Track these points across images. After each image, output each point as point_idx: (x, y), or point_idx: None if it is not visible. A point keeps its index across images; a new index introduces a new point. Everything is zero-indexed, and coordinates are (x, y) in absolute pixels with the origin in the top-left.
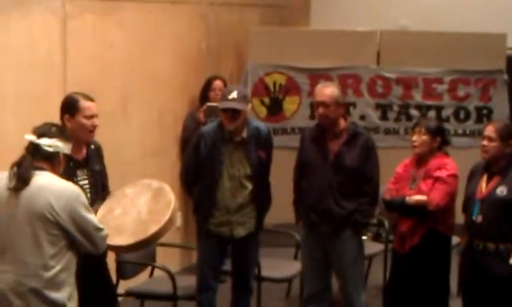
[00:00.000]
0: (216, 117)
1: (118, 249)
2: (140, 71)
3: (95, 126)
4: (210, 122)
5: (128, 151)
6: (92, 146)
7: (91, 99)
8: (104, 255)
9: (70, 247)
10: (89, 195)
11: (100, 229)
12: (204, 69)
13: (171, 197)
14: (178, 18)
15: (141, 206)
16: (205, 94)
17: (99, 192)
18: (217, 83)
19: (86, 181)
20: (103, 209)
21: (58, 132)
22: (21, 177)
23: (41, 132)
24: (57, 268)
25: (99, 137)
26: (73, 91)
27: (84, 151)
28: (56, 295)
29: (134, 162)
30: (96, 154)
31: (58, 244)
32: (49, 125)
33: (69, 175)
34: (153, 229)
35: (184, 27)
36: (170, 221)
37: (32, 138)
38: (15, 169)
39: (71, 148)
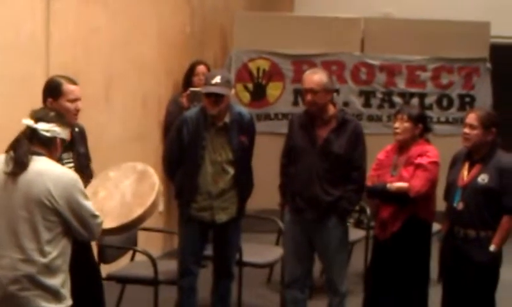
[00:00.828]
0: (199, 102)
1: (103, 233)
2: (124, 54)
3: (78, 110)
4: (193, 107)
5: (112, 135)
6: (76, 129)
7: (74, 82)
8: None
9: (65, 234)
10: None
11: (96, 216)
12: (188, 53)
13: (155, 180)
14: (163, 1)
15: (125, 188)
16: (188, 79)
17: (84, 174)
18: (201, 68)
19: (72, 164)
20: (87, 192)
21: (56, 117)
22: (18, 162)
23: (39, 116)
24: (53, 254)
25: (82, 120)
26: (56, 74)
27: (69, 134)
28: (50, 281)
29: (117, 145)
30: (80, 137)
31: (54, 229)
32: (47, 110)
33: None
34: (137, 212)
35: (168, 11)
36: (154, 204)
37: (30, 122)
38: (12, 153)
39: (69, 134)
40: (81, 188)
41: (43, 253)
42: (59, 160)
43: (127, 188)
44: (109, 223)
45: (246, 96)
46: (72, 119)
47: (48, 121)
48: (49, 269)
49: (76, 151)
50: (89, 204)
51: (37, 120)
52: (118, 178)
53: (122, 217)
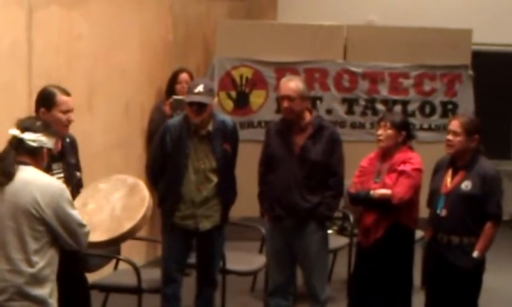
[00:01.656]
0: (182, 110)
1: (91, 245)
2: (106, 63)
3: (70, 121)
4: (176, 115)
5: (94, 143)
6: (67, 140)
7: (67, 93)
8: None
9: (53, 243)
10: None
11: (83, 226)
12: (171, 61)
13: (145, 194)
14: (145, 10)
15: (115, 202)
16: (171, 87)
17: (74, 185)
18: (184, 76)
19: (62, 175)
20: (77, 203)
21: (42, 126)
22: (5, 172)
23: (26, 126)
24: (41, 264)
25: None
26: (50, 84)
27: (59, 144)
28: (37, 292)
29: (100, 154)
30: (71, 147)
31: (42, 239)
32: (33, 119)
33: (45, 168)
34: (127, 226)
35: (150, 19)
36: (144, 218)
37: (16, 132)
38: None
39: (54, 143)
40: (68, 198)
41: (30, 263)
42: (48, 171)
43: (117, 202)
44: (98, 236)
45: (229, 104)
46: (63, 130)
47: (34, 130)
48: (37, 279)
49: (66, 161)
50: (76, 214)
51: (23, 130)
52: (108, 190)
53: (111, 231)
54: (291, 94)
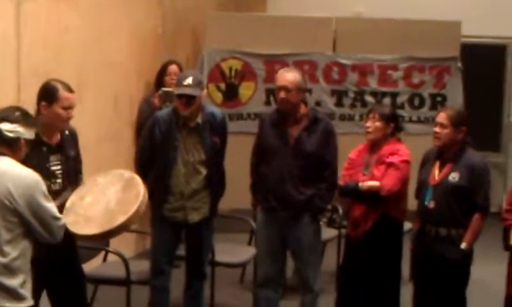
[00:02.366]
0: (171, 102)
1: (84, 238)
2: (95, 55)
3: (70, 118)
4: (165, 107)
5: (84, 135)
6: (67, 132)
7: (71, 90)
8: (72, 241)
9: (26, 235)
10: (60, 180)
11: (57, 218)
12: (160, 53)
13: (140, 189)
14: (134, 2)
15: (110, 195)
16: (160, 79)
17: (72, 178)
18: (173, 68)
19: (59, 167)
20: (74, 196)
21: (21, 116)
22: None
23: (3, 116)
24: (13, 254)
25: None
26: (53, 79)
27: (59, 136)
28: (8, 282)
29: (90, 146)
30: (71, 139)
31: (14, 230)
32: (13, 109)
33: (42, 160)
34: (120, 219)
35: (140, 11)
36: (137, 212)
37: None
38: None
39: (46, 133)
40: (42, 190)
41: (2, 253)
42: (46, 162)
43: (112, 196)
44: (91, 229)
45: (219, 96)
46: (61, 125)
47: (12, 121)
48: (8, 269)
49: (65, 154)
50: (50, 206)
51: (0, 120)
52: (105, 185)
53: (104, 224)
54: (288, 85)
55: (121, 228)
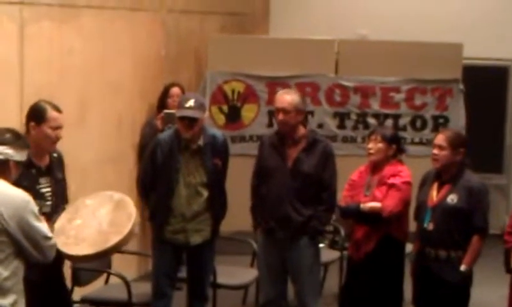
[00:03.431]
0: (174, 124)
1: (77, 259)
2: (98, 77)
3: (58, 138)
4: (167, 129)
5: (86, 157)
6: (55, 155)
7: (59, 110)
8: (61, 263)
9: (17, 255)
10: (50, 202)
11: (48, 238)
12: (163, 76)
13: (132, 210)
14: (137, 25)
15: (101, 217)
16: (162, 101)
17: (61, 200)
18: (175, 90)
19: (49, 189)
20: (63, 218)
21: (12, 138)
22: None
23: None
24: (4, 274)
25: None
26: (42, 99)
27: (47, 159)
28: (0, 301)
29: (92, 168)
30: (58, 162)
31: (5, 250)
32: (4, 131)
33: (32, 182)
34: (113, 240)
35: (143, 34)
36: (131, 233)
37: None
38: None
39: (35, 155)
40: (33, 210)
41: None
42: (35, 184)
43: (103, 217)
44: (84, 250)
45: (221, 119)
46: (50, 146)
47: (1, 143)
48: (0, 289)
49: (54, 176)
50: (41, 226)
51: None
52: (94, 206)
53: (98, 244)
54: (287, 107)
55: (114, 249)
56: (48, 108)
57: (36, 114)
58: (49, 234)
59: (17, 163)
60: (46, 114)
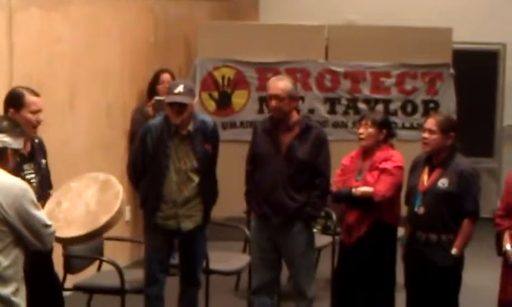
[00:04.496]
0: (164, 111)
1: (68, 241)
2: (88, 64)
3: (39, 122)
4: (158, 116)
5: (76, 144)
6: (36, 140)
7: (36, 94)
8: (50, 250)
9: (17, 243)
10: (35, 189)
11: (48, 226)
12: (152, 62)
13: (119, 188)
14: (126, 11)
15: (88, 198)
16: (153, 87)
17: (46, 186)
18: (166, 76)
19: (33, 176)
20: (50, 203)
21: (8, 126)
22: None
23: None
24: (5, 263)
25: (46, 130)
26: (19, 85)
27: (29, 145)
28: (1, 291)
29: (82, 155)
30: (40, 148)
31: (5, 239)
32: (0, 119)
33: (16, 169)
34: (103, 219)
35: (131, 20)
36: (120, 211)
37: None
38: None
39: (22, 143)
40: (31, 198)
41: None
42: (19, 171)
43: (90, 198)
44: (75, 231)
45: (212, 105)
46: (31, 131)
47: None
48: (1, 278)
49: (37, 162)
50: (40, 214)
51: None
52: (80, 188)
53: (88, 225)
54: (280, 93)
55: (105, 228)
56: (25, 93)
57: (14, 100)
58: (48, 222)
59: (15, 151)
60: (24, 99)
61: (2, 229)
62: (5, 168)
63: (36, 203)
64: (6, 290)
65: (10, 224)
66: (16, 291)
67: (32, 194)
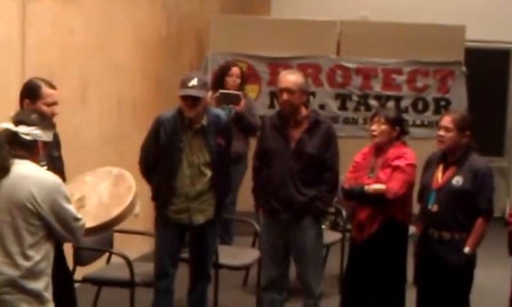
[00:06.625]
0: (228, 104)
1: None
2: (99, 57)
3: (54, 114)
4: (222, 109)
5: (87, 136)
6: None
7: (53, 86)
8: (62, 243)
9: (48, 238)
10: None
11: (78, 219)
12: (164, 56)
13: (131, 182)
14: (139, 5)
15: (101, 191)
16: (221, 79)
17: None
18: (236, 69)
19: (45, 167)
20: None
21: (37, 119)
22: (0, 167)
23: (19, 119)
24: (36, 258)
25: (58, 122)
26: (36, 77)
27: None
28: (32, 285)
29: (93, 147)
30: (54, 140)
31: (37, 233)
32: (29, 112)
33: None
34: (115, 211)
35: (144, 14)
36: (132, 204)
37: (10, 126)
38: None
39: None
40: (64, 193)
41: (26, 257)
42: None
43: (103, 191)
44: (87, 223)
45: None
46: None
47: (28, 124)
48: (33, 273)
49: (50, 154)
50: (71, 208)
51: (17, 123)
52: (93, 182)
53: (100, 217)
54: (291, 87)
55: (117, 220)
56: (42, 85)
57: (31, 92)
58: (78, 215)
59: (45, 144)
60: (40, 91)
61: (35, 224)
62: (36, 161)
63: (68, 196)
64: (38, 285)
65: (43, 218)
66: (47, 287)
67: (64, 188)
